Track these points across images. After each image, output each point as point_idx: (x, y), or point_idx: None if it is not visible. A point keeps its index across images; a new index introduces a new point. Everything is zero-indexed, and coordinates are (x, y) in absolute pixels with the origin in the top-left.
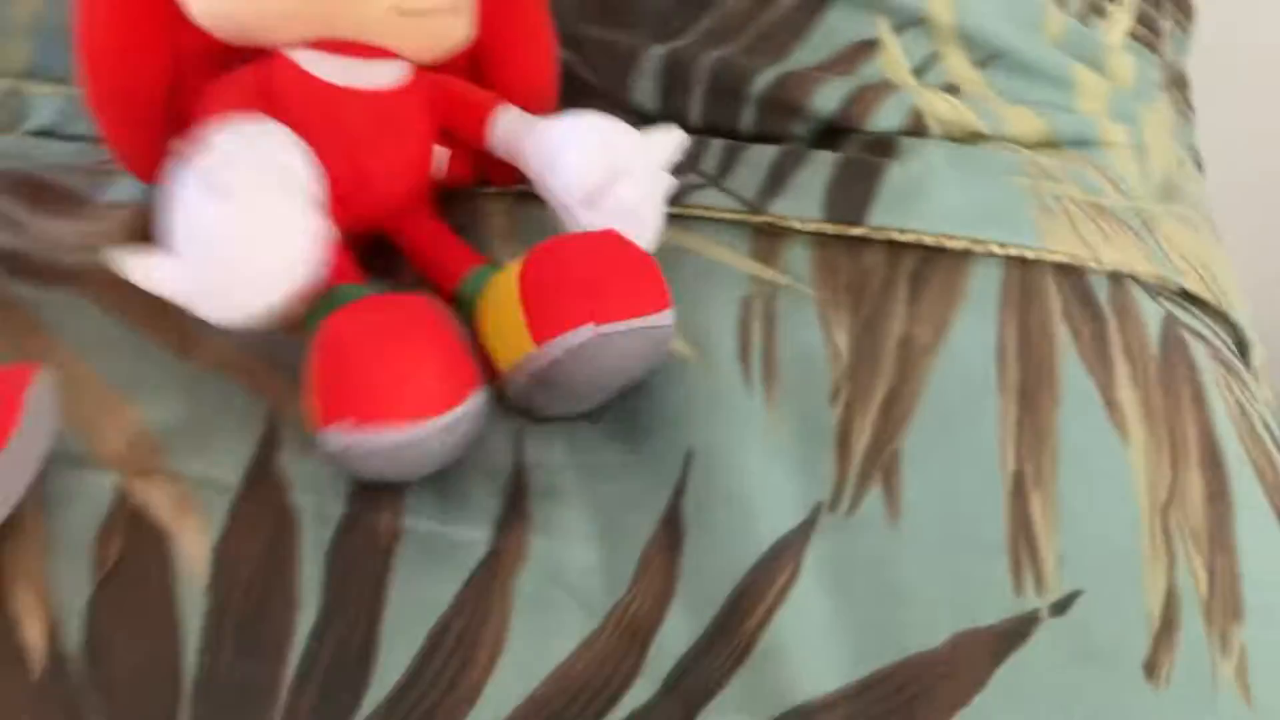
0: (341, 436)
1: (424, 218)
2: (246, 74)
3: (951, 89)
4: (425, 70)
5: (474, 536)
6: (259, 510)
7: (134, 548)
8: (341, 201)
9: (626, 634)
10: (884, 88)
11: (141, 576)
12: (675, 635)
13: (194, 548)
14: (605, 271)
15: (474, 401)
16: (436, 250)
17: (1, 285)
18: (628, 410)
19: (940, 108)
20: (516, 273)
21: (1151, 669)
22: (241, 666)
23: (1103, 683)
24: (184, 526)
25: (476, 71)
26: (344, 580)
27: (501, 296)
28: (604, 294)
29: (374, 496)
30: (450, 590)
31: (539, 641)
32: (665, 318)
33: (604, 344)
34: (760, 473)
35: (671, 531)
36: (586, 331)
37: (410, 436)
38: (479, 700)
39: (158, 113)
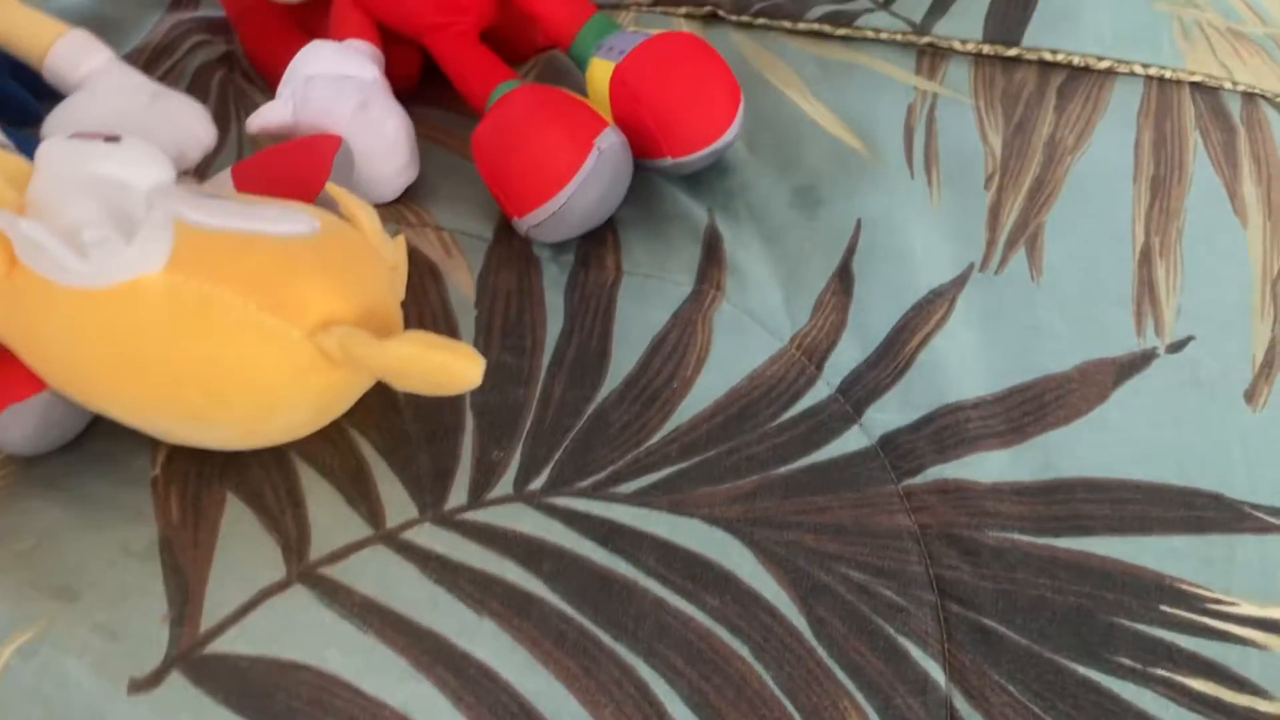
0: (520, 221)
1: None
2: None
3: None
4: None
5: (680, 279)
6: (509, 254)
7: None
8: None
9: (806, 352)
10: None
11: (423, 297)
12: (847, 354)
13: (461, 278)
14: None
15: (602, 142)
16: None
17: None
18: (803, 188)
19: None
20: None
21: (1251, 396)
22: (507, 358)
23: (1207, 402)
24: (452, 266)
25: None
26: (580, 304)
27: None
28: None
29: (599, 248)
30: (664, 315)
31: (735, 353)
32: None
33: None
34: (921, 237)
35: (844, 279)
36: None
37: (561, 199)
38: (690, 389)
39: None
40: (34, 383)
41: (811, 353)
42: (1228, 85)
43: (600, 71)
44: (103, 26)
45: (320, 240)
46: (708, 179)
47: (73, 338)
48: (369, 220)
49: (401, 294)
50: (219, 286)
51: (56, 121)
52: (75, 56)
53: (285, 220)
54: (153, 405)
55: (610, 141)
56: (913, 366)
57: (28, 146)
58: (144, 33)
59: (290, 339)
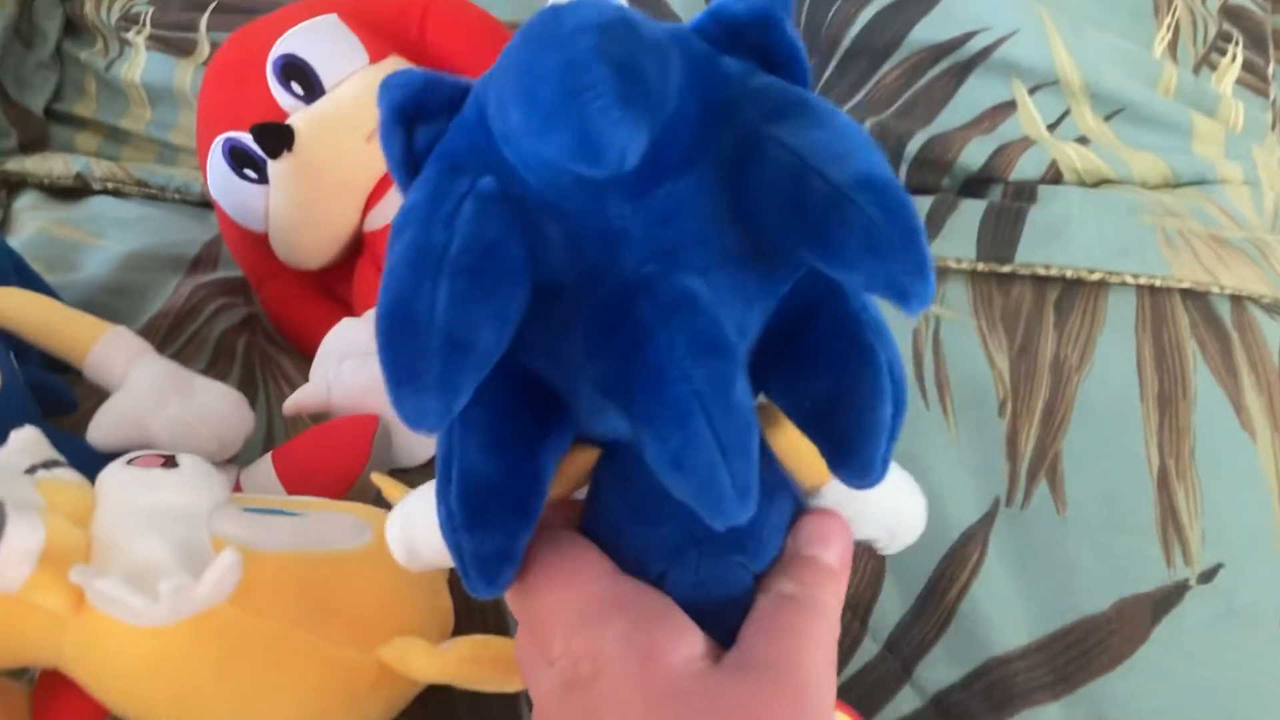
0: None
1: None
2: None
3: (1082, 140)
4: None
5: None
6: None
7: None
8: None
9: (849, 609)
10: (1023, 143)
11: None
12: (890, 607)
13: None
14: None
15: None
16: None
17: None
18: None
19: (1073, 157)
20: None
21: None
22: None
23: (1246, 635)
24: None
25: None
26: None
27: None
28: None
29: None
30: None
31: None
32: None
33: None
34: (947, 474)
35: None
36: None
37: None
38: None
39: None
40: (98, 711)
41: (854, 609)
42: (1215, 290)
43: None
44: (124, 292)
45: (373, 550)
46: None
47: (139, 669)
48: None
49: (447, 573)
50: (282, 619)
51: (103, 427)
52: (114, 357)
53: (340, 534)
54: None
55: None
56: (955, 618)
57: (72, 448)
58: (165, 298)
59: (355, 664)
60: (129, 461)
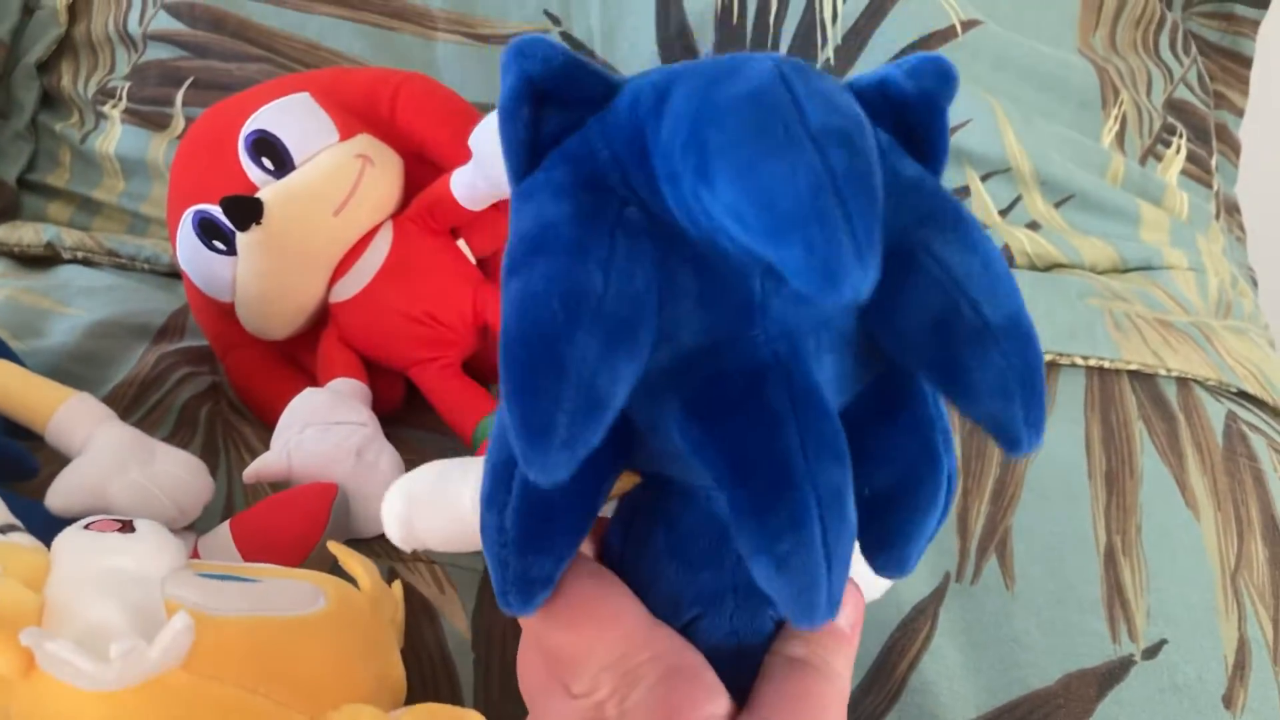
0: None
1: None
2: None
3: (1033, 226)
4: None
5: None
6: None
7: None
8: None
9: None
10: None
11: (420, 642)
12: None
13: (457, 618)
14: None
15: None
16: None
17: None
18: None
19: (1024, 242)
20: None
21: (1229, 701)
22: (509, 706)
23: (1189, 710)
24: (445, 603)
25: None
26: None
27: None
28: None
29: None
30: None
31: None
32: None
33: None
34: None
35: None
36: None
37: None
38: None
39: None
40: None
41: None
42: (1162, 372)
43: None
44: (90, 360)
45: (327, 616)
46: None
47: None
48: (369, 577)
49: (400, 642)
50: (233, 684)
51: (61, 492)
52: (76, 423)
53: (294, 601)
54: None
55: None
56: (905, 690)
57: (31, 513)
58: (131, 365)
59: None
60: (85, 526)
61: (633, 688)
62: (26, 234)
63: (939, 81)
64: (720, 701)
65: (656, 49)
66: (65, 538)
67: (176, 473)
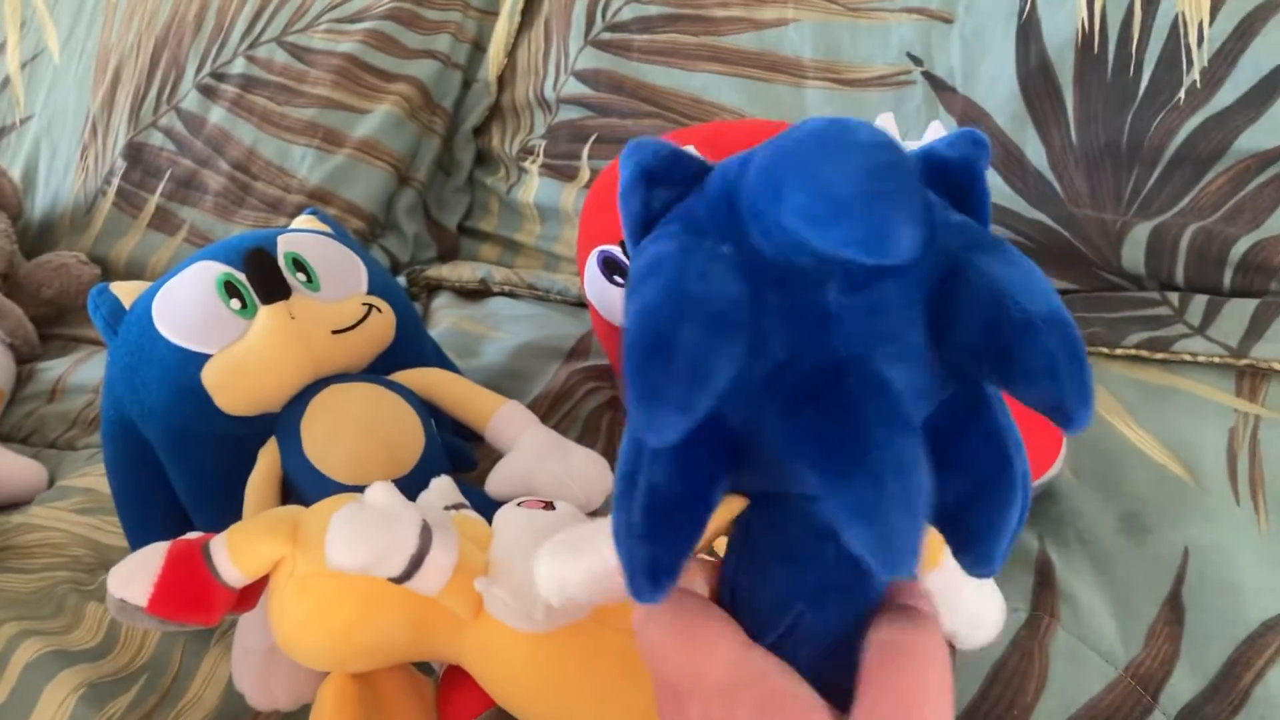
0: None
1: None
2: None
3: None
4: None
5: (1015, 605)
6: None
7: None
8: None
9: (1141, 681)
10: None
11: None
12: (1182, 687)
13: None
14: None
15: None
16: None
17: None
18: (1130, 515)
19: None
20: None
21: None
22: None
23: None
24: None
25: None
26: None
27: None
28: None
29: None
30: (1003, 642)
31: (1072, 680)
32: None
33: None
34: (1250, 568)
35: (1175, 608)
36: None
37: None
38: (1030, 717)
39: None
40: (487, 703)
41: (1146, 682)
42: None
43: None
44: (515, 376)
45: None
46: (1036, 506)
47: (519, 665)
48: None
49: None
50: (628, 634)
51: (499, 478)
52: (509, 425)
53: None
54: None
55: None
56: (1249, 702)
57: (470, 497)
58: (547, 380)
59: None
60: (519, 504)
61: (737, 713)
62: (465, 271)
63: (975, 148)
64: (820, 717)
65: (1017, 85)
66: (505, 511)
67: (586, 467)
